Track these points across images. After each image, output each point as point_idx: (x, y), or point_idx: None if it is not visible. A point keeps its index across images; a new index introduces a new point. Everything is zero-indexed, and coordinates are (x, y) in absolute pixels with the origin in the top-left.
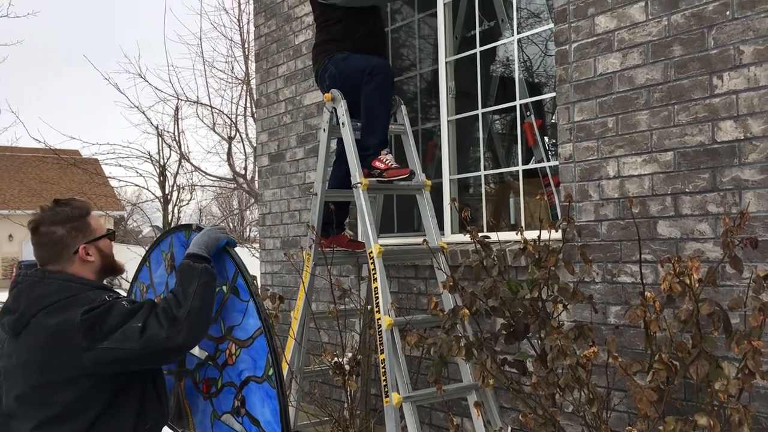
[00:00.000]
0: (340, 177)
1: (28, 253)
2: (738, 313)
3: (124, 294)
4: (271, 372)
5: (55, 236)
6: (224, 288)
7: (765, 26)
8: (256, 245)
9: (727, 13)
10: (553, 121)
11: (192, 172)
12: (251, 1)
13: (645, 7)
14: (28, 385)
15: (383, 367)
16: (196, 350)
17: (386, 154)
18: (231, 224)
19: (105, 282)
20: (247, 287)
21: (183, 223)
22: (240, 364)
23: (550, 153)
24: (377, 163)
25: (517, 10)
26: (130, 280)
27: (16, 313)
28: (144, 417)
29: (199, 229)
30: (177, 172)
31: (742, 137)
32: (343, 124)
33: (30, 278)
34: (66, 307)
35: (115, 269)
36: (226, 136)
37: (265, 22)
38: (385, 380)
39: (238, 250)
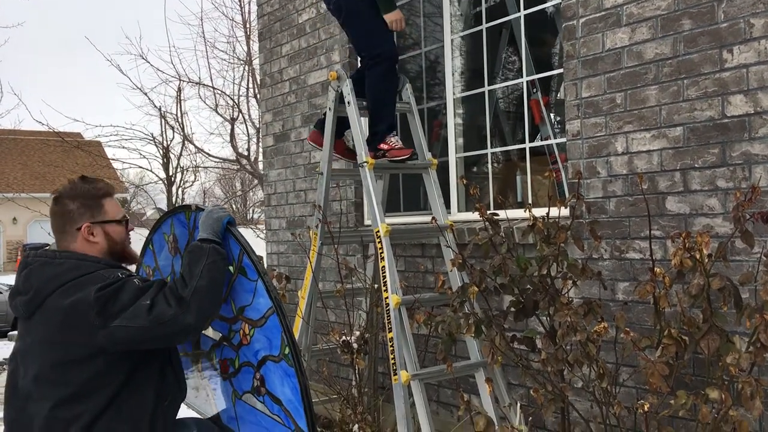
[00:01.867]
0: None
1: (32, 236)
2: (748, 288)
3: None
4: (287, 351)
5: (66, 209)
6: (230, 268)
7: None
8: (261, 226)
9: None
10: (559, 97)
11: (195, 153)
12: None
13: None
14: (45, 364)
15: (391, 346)
16: (209, 331)
17: (392, 136)
18: (234, 205)
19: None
20: (254, 266)
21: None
22: (255, 343)
23: (556, 130)
24: (382, 145)
25: None
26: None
27: (28, 294)
28: (163, 395)
29: (198, 209)
30: (180, 154)
31: (752, 111)
32: (348, 103)
33: (40, 258)
34: (80, 285)
35: (125, 257)
36: (228, 117)
37: (268, 1)
38: (393, 358)
39: (242, 230)
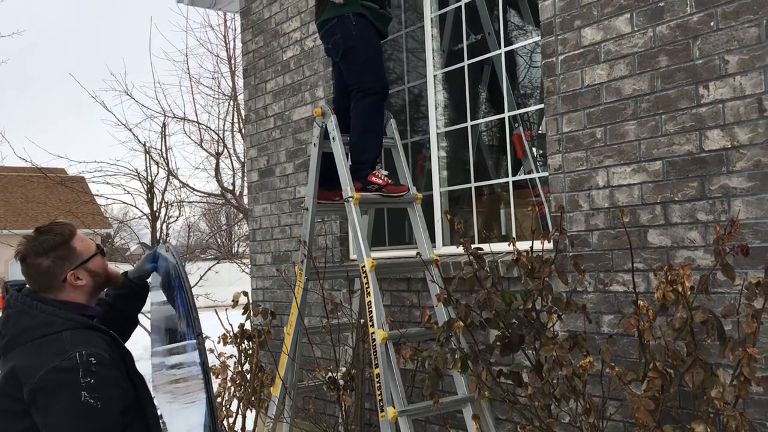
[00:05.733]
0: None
1: (14, 274)
2: (731, 320)
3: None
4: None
5: (42, 268)
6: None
7: (749, 36)
8: (246, 260)
9: (711, 23)
10: (541, 132)
11: (180, 188)
12: (237, 18)
13: (630, 19)
14: None
15: (378, 381)
16: None
17: (380, 169)
18: (219, 240)
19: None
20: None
21: (166, 243)
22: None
23: (538, 164)
24: (374, 179)
25: (503, 24)
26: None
27: (4, 338)
28: None
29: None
30: (165, 189)
31: (730, 146)
32: (333, 138)
33: (19, 305)
34: (38, 350)
35: (109, 283)
36: (213, 152)
37: (253, 39)
38: (380, 394)
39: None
